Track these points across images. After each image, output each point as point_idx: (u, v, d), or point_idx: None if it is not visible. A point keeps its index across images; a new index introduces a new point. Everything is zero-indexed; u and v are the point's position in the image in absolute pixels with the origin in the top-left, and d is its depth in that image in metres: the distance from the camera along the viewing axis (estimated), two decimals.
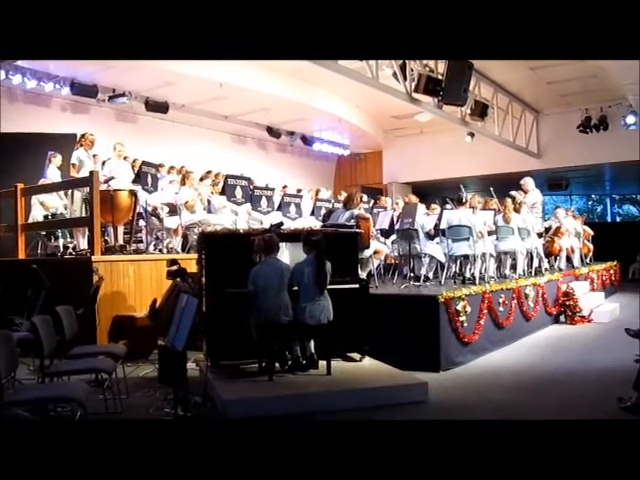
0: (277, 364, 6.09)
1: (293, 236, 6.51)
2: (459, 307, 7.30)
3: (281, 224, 7.12)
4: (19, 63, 10.98)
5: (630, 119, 15.46)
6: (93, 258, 7.88)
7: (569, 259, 13.07)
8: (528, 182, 11.82)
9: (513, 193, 11.44)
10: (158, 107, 13.90)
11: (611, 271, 15.04)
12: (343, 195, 11.30)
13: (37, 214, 9.76)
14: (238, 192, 10.07)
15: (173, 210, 9.93)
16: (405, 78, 11.16)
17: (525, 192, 11.68)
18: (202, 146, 15.41)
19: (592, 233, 14.93)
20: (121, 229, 9.32)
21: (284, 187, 13.57)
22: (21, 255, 9.40)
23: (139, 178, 9.40)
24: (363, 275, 8.02)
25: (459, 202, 9.14)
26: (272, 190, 10.99)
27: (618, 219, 27.28)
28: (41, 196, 9.74)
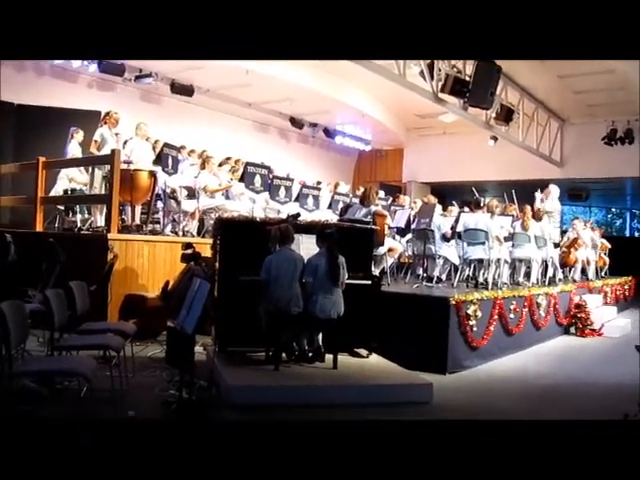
0: (284, 354, 6.11)
1: (309, 228, 6.51)
2: (470, 311, 7.27)
3: (298, 215, 7.12)
4: None
5: None
6: (109, 236, 7.94)
7: (584, 271, 12.98)
8: (552, 190, 11.67)
9: (537, 194, 11.37)
10: (183, 90, 13.92)
11: (626, 286, 14.92)
12: (361, 190, 11.29)
13: (60, 188, 9.83)
14: (257, 180, 10.10)
15: (191, 193, 9.96)
16: (432, 77, 11.09)
17: (545, 197, 11.56)
18: (224, 132, 15.42)
19: (609, 246, 14.79)
20: (139, 209, 9.36)
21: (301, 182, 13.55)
22: (39, 228, 9.49)
23: (160, 159, 9.44)
24: (376, 272, 8.01)
25: (476, 206, 9.10)
26: (291, 180, 11.00)
27: (637, 234, 27.02)
28: (70, 171, 9.81)
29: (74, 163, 9.80)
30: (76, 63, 11.96)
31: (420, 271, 9.58)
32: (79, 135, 9.88)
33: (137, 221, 9.20)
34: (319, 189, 11.52)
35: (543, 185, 12.05)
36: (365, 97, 15.80)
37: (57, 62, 11.77)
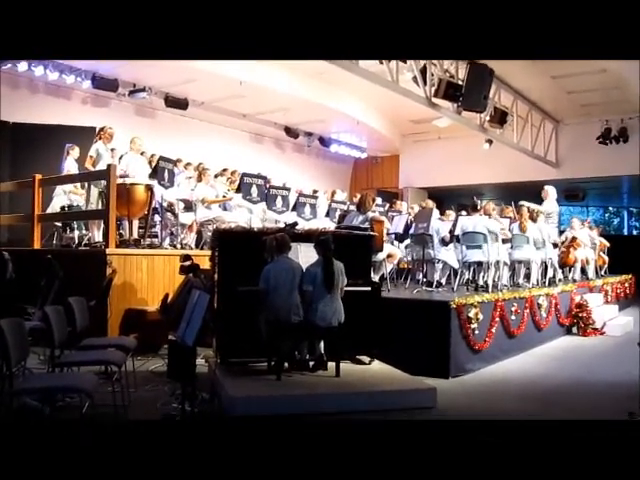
0: (286, 364, 6.08)
1: (307, 237, 6.50)
2: (471, 314, 7.26)
3: (295, 224, 7.11)
4: None
5: None
6: (107, 251, 7.93)
7: (584, 270, 12.95)
8: (549, 191, 11.61)
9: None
10: (178, 103, 13.95)
11: (626, 284, 14.91)
12: (358, 197, 11.29)
13: (57, 205, 9.83)
14: (254, 190, 10.10)
15: (188, 206, 9.96)
16: (425, 82, 11.12)
17: (544, 199, 11.53)
18: (219, 143, 15.45)
19: (608, 245, 14.79)
20: (136, 223, 9.37)
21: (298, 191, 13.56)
22: (36, 245, 9.50)
23: (156, 173, 9.44)
24: (376, 278, 8.00)
25: (473, 209, 9.10)
26: (288, 190, 11.00)
27: (635, 232, 27.04)
28: (67, 186, 9.82)
29: (70, 180, 9.81)
30: (70, 79, 11.97)
31: (420, 276, 9.57)
32: (75, 151, 9.90)
33: (135, 235, 9.20)
34: (316, 197, 11.53)
35: (539, 187, 12.04)
36: (359, 105, 15.84)
37: (51, 79, 11.77)
